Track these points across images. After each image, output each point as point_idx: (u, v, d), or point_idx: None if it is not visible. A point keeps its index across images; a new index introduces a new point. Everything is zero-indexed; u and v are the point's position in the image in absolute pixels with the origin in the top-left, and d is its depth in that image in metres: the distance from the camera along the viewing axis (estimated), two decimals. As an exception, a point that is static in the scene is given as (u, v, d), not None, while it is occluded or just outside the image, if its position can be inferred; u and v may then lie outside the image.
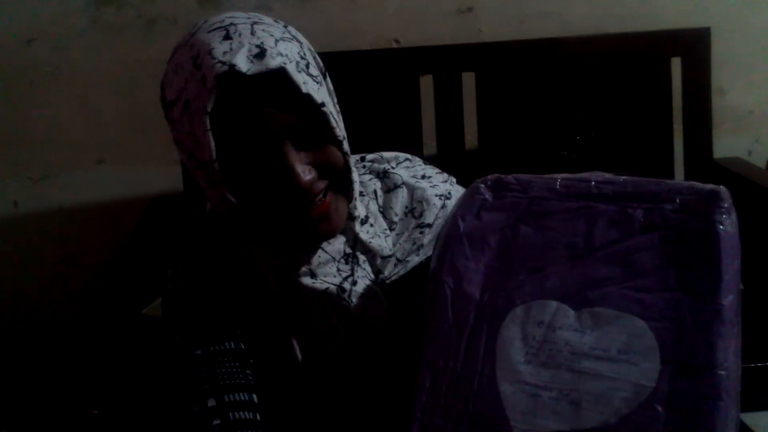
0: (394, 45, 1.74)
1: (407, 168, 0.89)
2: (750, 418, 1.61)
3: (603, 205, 0.66)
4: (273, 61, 0.67)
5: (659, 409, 0.57)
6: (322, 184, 0.72)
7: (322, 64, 0.76)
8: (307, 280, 0.77)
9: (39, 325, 1.86)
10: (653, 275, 0.62)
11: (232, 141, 0.69)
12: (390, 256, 0.82)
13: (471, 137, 1.68)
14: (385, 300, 0.81)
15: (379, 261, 0.82)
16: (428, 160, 1.70)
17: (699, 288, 0.60)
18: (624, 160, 1.68)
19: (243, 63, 0.66)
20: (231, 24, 0.69)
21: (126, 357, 1.41)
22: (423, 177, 0.88)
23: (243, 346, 0.74)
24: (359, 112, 1.66)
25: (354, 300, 0.78)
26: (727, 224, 0.62)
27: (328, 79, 0.76)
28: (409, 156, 0.91)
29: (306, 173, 0.70)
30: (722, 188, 0.64)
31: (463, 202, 0.72)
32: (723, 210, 0.62)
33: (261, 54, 0.67)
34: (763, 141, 1.89)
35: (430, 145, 1.68)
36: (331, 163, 0.73)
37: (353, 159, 0.79)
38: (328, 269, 0.78)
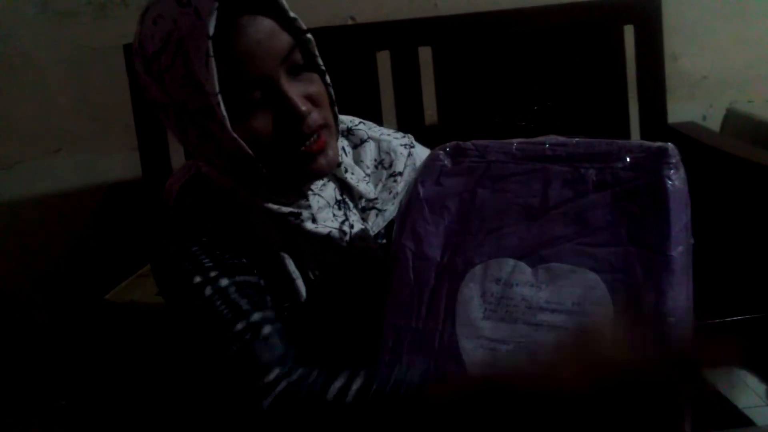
0: (350, 22, 1.74)
1: (368, 129, 0.91)
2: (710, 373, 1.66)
3: (557, 166, 0.69)
4: None
5: None
6: (317, 117, 0.73)
7: None
8: (310, 225, 0.77)
9: (2, 316, 1.84)
10: (605, 231, 0.64)
11: (228, 71, 0.68)
12: (375, 199, 0.84)
13: (431, 112, 1.69)
14: (377, 243, 0.84)
15: (363, 202, 0.84)
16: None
17: (649, 240, 0.63)
18: (581, 128, 1.69)
19: None
20: None
21: (91, 344, 1.40)
22: (383, 133, 0.91)
23: (256, 279, 0.75)
24: (317, 91, 1.66)
25: (354, 242, 0.80)
26: (675, 179, 0.64)
27: None
28: (362, 119, 0.92)
29: (302, 103, 0.71)
30: (670, 145, 0.66)
31: (423, 169, 0.75)
32: (671, 166, 0.65)
33: None
34: (716, 106, 1.92)
35: (390, 121, 1.68)
36: (319, 94, 0.74)
37: None
38: (326, 214, 0.79)
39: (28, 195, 1.79)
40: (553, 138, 0.72)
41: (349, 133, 0.88)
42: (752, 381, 1.68)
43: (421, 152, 0.91)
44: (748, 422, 1.54)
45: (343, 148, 0.86)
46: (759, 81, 1.92)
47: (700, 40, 1.87)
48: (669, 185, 0.64)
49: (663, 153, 0.66)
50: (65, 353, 1.74)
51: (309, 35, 0.73)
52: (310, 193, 0.79)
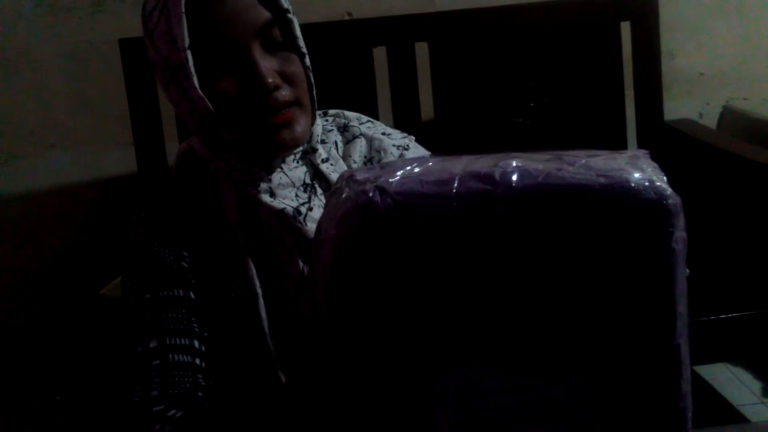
0: (347, 17, 1.73)
1: (369, 128, 0.91)
2: (705, 371, 1.67)
3: None
4: None
5: None
6: (287, 94, 0.76)
7: None
8: (266, 197, 0.79)
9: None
10: None
11: (203, 34, 0.73)
12: None
13: (427, 108, 1.68)
14: None
15: None
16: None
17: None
18: (577, 124, 1.70)
19: None
20: None
21: (85, 339, 1.40)
22: (383, 134, 0.91)
23: (192, 295, 0.77)
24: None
25: (308, 224, 0.80)
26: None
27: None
28: (371, 118, 0.94)
29: (272, 76, 0.74)
30: (671, 196, 0.56)
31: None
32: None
33: None
34: (713, 103, 1.93)
35: (387, 117, 1.67)
36: (295, 74, 0.77)
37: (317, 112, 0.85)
38: (287, 192, 0.80)
39: (24, 190, 1.78)
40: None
41: (344, 129, 0.89)
42: (747, 378, 1.69)
43: (418, 153, 0.91)
44: (743, 419, 1.54)
45: (336, 142, 0.87)
46: (755, 78, 1.93)
47: (696, 37, 1.87)
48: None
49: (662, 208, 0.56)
50: (60, 349, 1.74)
51: (291, 15, 0.76)
52: (276, 168, 0.80)
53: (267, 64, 0.74)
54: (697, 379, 1.64)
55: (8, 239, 1.80)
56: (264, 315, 0.79)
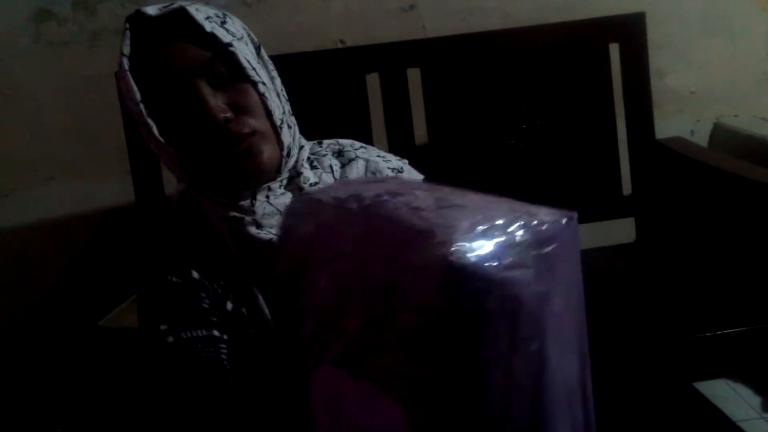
0: (340, 45, 1.76)
1: (363, 152, 0.93)
2: (704, 387, 1.67)
3: None
4: (174, 5, 0.77)
5: None
6: (242, 126, 0.77)
7: (248, 31, 0.83)
8: (252, 230, 0.80)
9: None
10: None
11: (151, 84, 0.76)
12: None
13: (421, 132, 1.70)
14: None
15: None
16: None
17: None
18: (569, 145, 1.72)
19: (150, 8, 0.76)
20: None
21: (85, 370, 1.40)
22: (378, 156, 0.93)
23: (216, 333, 0.78)
24: (308, 114, 1.67)
25: None
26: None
27: (261, 49, 0.83)
28: (363, 144, 0.96)
29: (221, 111, 0.75)
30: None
31: None
32: None
33: (169, 3, 0.77)
34: (704, 120, 1.95)
35: (381, 142, 1.69)
36: (249, 103, 0.78)
37: (310, 144, 0.87)
38: (273, 221, 0.81)
39: (22, 223, 1.79)
40: None
41: (340, 154, 0.91)
42: (747, 393, 1.69)
43: (412, 176, 0.93)
44: (744, 435, 1.54)
45: (331, 166, 0.88)
46: (745, 95, 1.94)
47: (686, 56, 1.90)
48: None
49: None
50: (60, 380, 1.74)
51: (232, 48, 0.77)
52: (260, 198, 0.81)
53: (216, 101, 0.76)
54: (696, 395, 1.64)
55: (8, 271, 1.81)
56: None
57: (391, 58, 1.67)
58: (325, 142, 0.94)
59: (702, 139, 1.94)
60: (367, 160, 0.91)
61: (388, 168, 0.91)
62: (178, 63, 0.75)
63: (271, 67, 0.84)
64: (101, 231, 1.63)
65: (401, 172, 0.92)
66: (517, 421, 0.51)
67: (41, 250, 1.80)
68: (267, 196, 0.81)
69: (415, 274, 0.49)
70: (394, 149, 1.67)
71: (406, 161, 0.96)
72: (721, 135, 1.92)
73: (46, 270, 1.77)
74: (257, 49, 0.83)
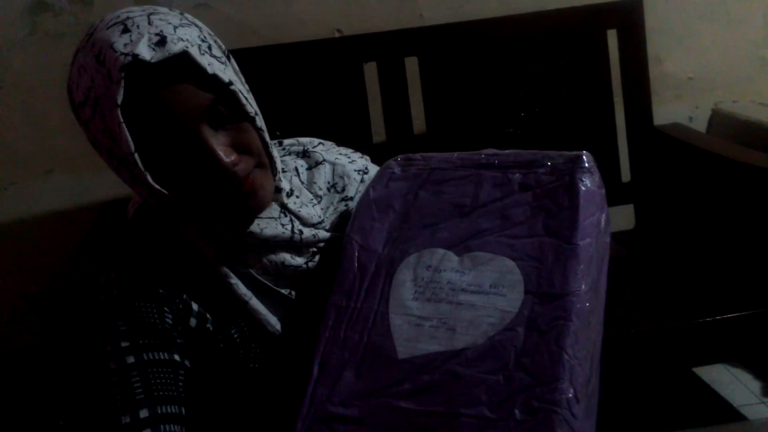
0: (336, 34, 1.75)
1: (325, 151, 0.93)
2: (704, 372, 1.67)
3: (489, 172, 0.79)
4: (175, 47, 0.69)
5: (519, 330, 0.68)
6: (246, 165, 0.74)
7: (224, 47, 0.78)
8: (256, 254, 0.80)
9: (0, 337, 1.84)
10: (524, 225, 0.74)
11: (148, 131, 0.70)
12: (320, 223, 0.85)
13: (419, 121, 1.70)
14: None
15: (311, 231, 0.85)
16: (377, 147, 1.72)
17: (560, 232, 0.72)
18: (568, 132, 1.72)
19: (145, 52, 0.67)
20: (128, 18, 0.70)
21: (86, 362, 1.40)
22: (342, 155, 0.93)
23: (177, 358, 0.75)
24: (306, 104, 1.67)
25: (306, 240, 0.82)
26: (587, 181, 0.74)
27: (233, 60, 0.79)
28: (321, 140, 0.95)
29: (227, 155, 0.72)
30: (585, 153, 0.76)
31: (376, 177, 0.85)
32: (584, 170, 0.75)
33: (162, 41, 0.68)
34: (702, 106, 1.94)
35: (379, 132, 1.69)
36: (250, 140, 0.75)
37: (272, 143, 0.84)
38: (273, 228, 0.81)
39: (21, 216, 1.79)
40: (489, 150, 0.82)
41: (305, 154, 0.91)
42: (746, 378, 1.69)
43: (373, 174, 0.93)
44: (744, 420, 1.54)
45: (296, 168, 0.88)
46: (743, 81, 1.94)
47: (684, 42, 1.89)
48: (581, 186, 0.74)
49: (578, 159, 0.76)
50: (61, 372, 1.74)
51: (233, 87, 0.73)
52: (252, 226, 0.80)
53: (219, 143, 0.72)
54: (696, 380, 1.65)
55: (8, 264, 1.81)
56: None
57: (388, 46, 1.67)
58: (286, 142, 0.93)
59: (700, 125, 1.94)
60: (333, 164, 0.90)
61: (355, 170, 0.91)
62: (179, 108, 0.69)
63: (237, 67, 0.79)
64: (101, 222, 1.63)
65: (366, 173, 0.92)
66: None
67: (41, 242, 1.80)
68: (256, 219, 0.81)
69: None
70: (392, 139, 1.68)
71: (368, 158, 0.96)
72: (720, 121, 1.92)
73: (46, 263, 1.76)
74: (228, 58, 0.78)
